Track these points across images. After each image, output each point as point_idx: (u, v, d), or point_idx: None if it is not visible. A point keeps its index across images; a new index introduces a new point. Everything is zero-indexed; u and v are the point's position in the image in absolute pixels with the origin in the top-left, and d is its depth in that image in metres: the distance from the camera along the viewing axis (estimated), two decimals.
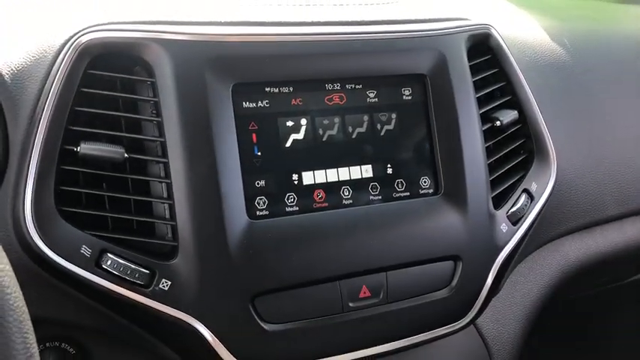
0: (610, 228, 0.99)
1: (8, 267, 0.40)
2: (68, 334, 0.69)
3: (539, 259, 0.94)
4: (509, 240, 0.80)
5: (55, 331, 0.68)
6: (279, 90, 0.69)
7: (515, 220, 0.81)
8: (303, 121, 0.71)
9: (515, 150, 0.86)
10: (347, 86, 0.73)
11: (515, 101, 0.86)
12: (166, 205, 0.65)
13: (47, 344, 0.68)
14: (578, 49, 1.03)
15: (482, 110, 0.81)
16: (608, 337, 1.39)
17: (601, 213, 0.96)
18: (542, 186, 0.85)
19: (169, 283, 0.63)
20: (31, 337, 0.39)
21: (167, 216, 0.65)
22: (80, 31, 0.65)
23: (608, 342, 1.39)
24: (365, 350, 0.72)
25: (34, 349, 0.39)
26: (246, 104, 0.68)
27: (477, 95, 0.80)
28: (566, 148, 0.92)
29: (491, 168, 0.81)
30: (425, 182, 0.76)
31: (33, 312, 0.63)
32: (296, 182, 0.70)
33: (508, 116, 0.83)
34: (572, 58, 1.01)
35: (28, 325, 0.39)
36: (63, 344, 0.69)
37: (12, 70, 0.65)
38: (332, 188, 0.71)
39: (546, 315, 1.00)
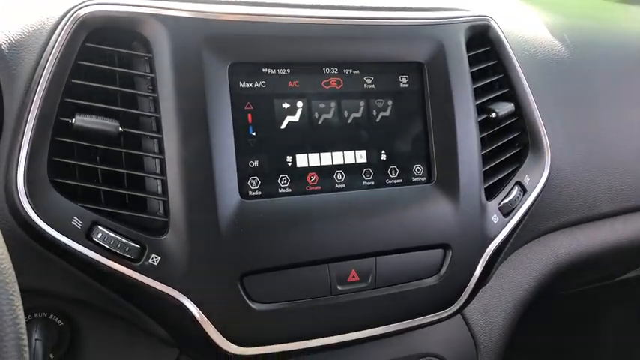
0: (601, 225, 0.99)
1: None
2: (57, 306, 0.69)
3: (530, 252, 0.94)
4: (500, 231, 0.80)
5: (44, 302, 0.68)
6: (277, 71, 0.69)
7: (507, 212, 0.81)
8: (299, 104, 0.71)
9: (510, 142, 0.86)
10: (344, 71, 0.73)
11: (512, 94, 0.86)
12: (159, 181, 0.65)
13: (35, 315, 0.68)
14: (577, 45, 1.03)
15: (479, 101, 0.81)
16: (595, 336, 1.40)
17: (593, 210, 0.97)
18: (535, 179, 0.85)
19: (159, 258, 0.63)
20: (17, 300, 0.39)
21: (159, 192, 0.65)
22: (79, 4, 0.65)
23: (595, 340, 1.40)
24: (351, 334, 0.72)
25: (20, 310, 0.39)
26: (242, 84, 0.68)
27: (474, 86, 0.80)
28: (561, 143, 0.92)
29: (485, 159, 0.81)
30: (418, 170, 0.76)
31: (22, 282, 0.64)
32: (290, 164, 0.70)
33: (504, 108, 0.83)
34: (571, 55, 1.01)
35: (15, 287, 0.39)
36: (51, 315, 0.69)
37: (9, 40, 0.65)
38: (325, 172, 0.71)
39: (536, 310, 1.00)
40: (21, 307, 0.39)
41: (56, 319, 0.70)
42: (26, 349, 0.38)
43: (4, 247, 0.40)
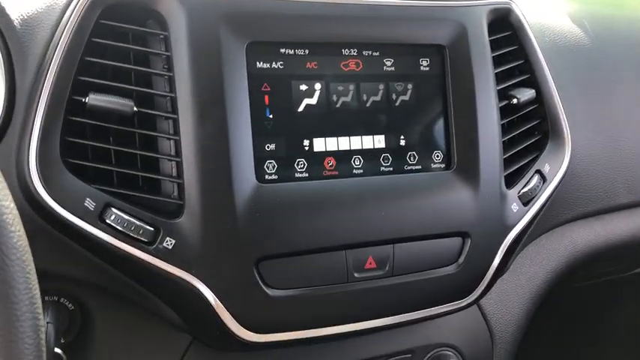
0: (620, 216, 0.98)
1: (12, 205, 0.39)
2: (68, 290, 0.68)
3: (547, 243, 0.93)
4: (519, 220, 0.78)
5: (55, 286, 0.67)
6: (295, 52, 0.68)
7: (527, 200, 0.79)
8: (317, 86, 0.69)
9: (530, 130, 0.84)
10: (364, 52, 0.71)
11: (533, 80, 0.84)
12: (174, 163, 0.63)
13: (46, 298, 0.67)
14: (598, 33, 1.01)
15: (500, 87, 0.79)
16: (611, 328, 1.38)
17: (612, 200, 0.95)
18: (555, 168, 0.83)
19: (173, 241, 0.62)
20: (34, 278, 0.38)
21: (174, 174, 0.63)
22: None
23: (610, 332, 1.38)
24: (367, 322, 0.71)
25: (36, 290, 0.38)
26: (259, 64, 0.66)
27: (495, 71, 0.78)
28: (582, 132, 0.91)
29: (505, 146, 0.79)
30: (437, 156, 0.74)
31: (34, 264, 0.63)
32: (307, 148, 0.68)
33: (525, 95, 0.81)
34: (592, 42, 0.99)
35: (31, 266, 0.38)
36: (62, 299, 0.68)
37: (22, 16, 0.63)
38: (343, 157, 0.70)
39: (551, 300, 0.99)
40: (37, 286, 0.38)
41: (67, 303, 0.68)
42: (42, 329, 0.37)
43: (21, 224, 0.39)
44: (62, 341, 0.68)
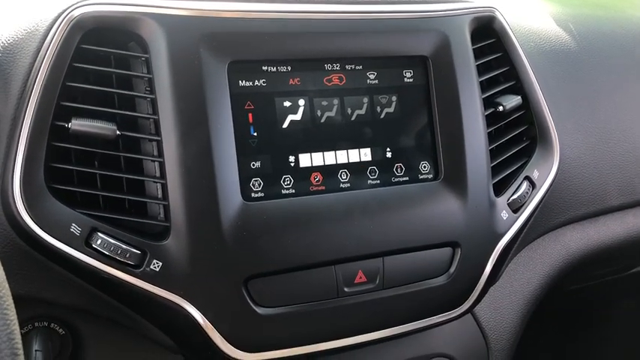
0: (612, 218, 0.97)
1: None
2: (57, 315, 0.68)
3: (540, 248, 0.92)
4: (510, 228, 0.78)
5: (44, 311, 0.67)
6: (277, 69, 0.68)
7: (516, 207, 0.79)
8: (301, 102, 0.69)
9: (518, 136, 0.84)
10: (347, 67, 0.71)
11: (519, 87, 0.84)
12: (159, 185, 0.63)
13: (35, 324, 0.67)
14: (584, 35, 1.01)
15: (485, 95, 0.79)
16: (607, 330, 1.38)
17: (603, 203, 0.95)
18: (545, 174, 0.83)
19: (160, 264, 0.62)
20: (12, 314, 0.38)
21: (159, 195, 0.63)
22: (73, 5, 0.63)
23: (607, 335, 1.38)
24: (360, 336, 0.70)
25: (15, 326, 0.37)
26: (242, 83, 0.66)
27: (480, 79, 0.78)
28: (570, 136, 0.91)
29: (493, 154, 0.79)
30: (424, 167, 0.74)
31: (21, 290, 0.63)
32: (292, 164, 0.68)
33: (511, 101, 0.81)
34: (579, 45, 0.99)
35: (9, 301, 0.38)
36: (52, 324, 0.68)
37: (2, 43, 0.63)
38: (329, 171, 0.69)
39: (546, 305, 0.98)
40: (16, 321, 0.38)
41: (57, 328, 0.68)
42: None
43: None
44: None
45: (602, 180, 0.94)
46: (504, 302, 0.89)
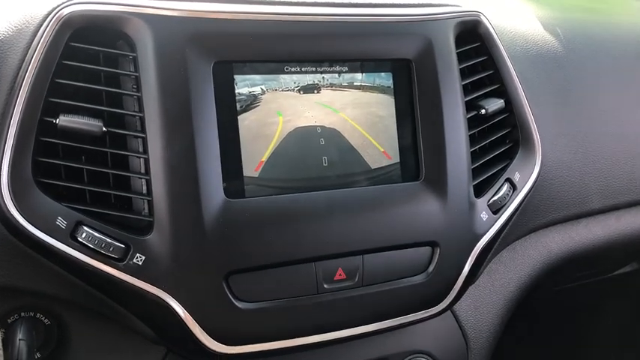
0: (594, 221, 0.99)
1: None
2: (43, 305, 0.69)
3: (522, 249, 0.94)
4: (489, 229, 0.80)
5: (30, 301, 0.68)
6: (262, 70, 0.69)
7: (496, 209, 0.81)
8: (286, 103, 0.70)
9: (501, 139, 0.86)
10: (331, 69, 0.72)
11: (503, 90, 0.85)
12: (143, 181, 0.65)
13: (22, 314, 0.68)
14: (571, 39, 1.02)
15: (468, 98, 0.81)
16: (589, 331, 1.40)
17: (585, 206, 0.96)
18: (526, 176, 0.85)
19: (143, 257, 0.63)
20: None
21: (144, 191, 0.65)
22: (63, 3, 0.64)
23: (589, 336, 1.40)
24: (338, 332, 0.72)
25: None
26: (227, 83, 0.67)
27: (464, 83, 0.79)
28: (553, 139, 0.92)
29: (475, 156, 0.81)
30: (406, 168, 0.75)
31: (7, 281, 0.65)
32: None
33: (494, 105, 0.83)
34: (565, 49, 1.00)
35: None
36: (38, 314, 0.69)
37: None
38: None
39: (529, 306, 1.00)
40: None
41: (43, 318, 0.70)
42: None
43: None
44: (39, 356, 0.70)
45: (584, 183, 0.95)
46: (485, 301, 0.91)
